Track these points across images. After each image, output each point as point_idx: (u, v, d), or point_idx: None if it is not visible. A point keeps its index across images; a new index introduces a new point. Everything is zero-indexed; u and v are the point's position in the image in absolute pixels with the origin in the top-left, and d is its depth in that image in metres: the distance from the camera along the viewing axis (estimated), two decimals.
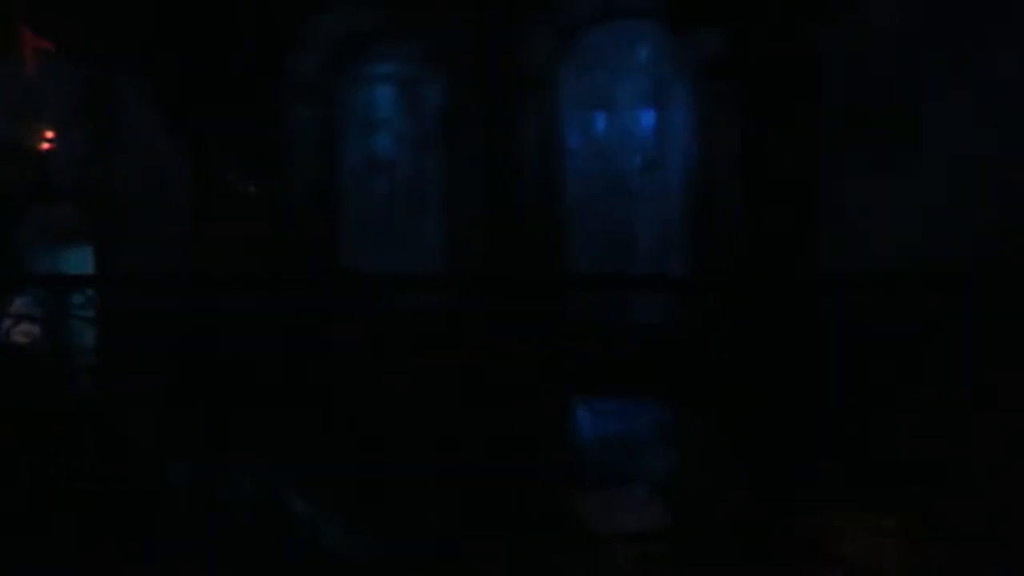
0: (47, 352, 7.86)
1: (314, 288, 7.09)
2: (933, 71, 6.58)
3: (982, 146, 6.34)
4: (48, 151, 7.36)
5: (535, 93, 7.38)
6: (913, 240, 6.46)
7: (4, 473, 5.70)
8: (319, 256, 7.59)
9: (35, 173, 7.63)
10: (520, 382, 6.46)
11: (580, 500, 5.55)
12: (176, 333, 6.73)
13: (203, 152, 7.59)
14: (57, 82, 7.53)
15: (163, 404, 6.84)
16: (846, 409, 5.57)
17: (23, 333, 7.94)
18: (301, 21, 7.49)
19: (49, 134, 7.28)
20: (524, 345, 6.61)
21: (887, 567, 4.74)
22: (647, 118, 7.43)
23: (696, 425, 6.44)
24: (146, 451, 6.43)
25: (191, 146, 7.64)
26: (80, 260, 8.08)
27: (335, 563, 5.37)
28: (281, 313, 7.23)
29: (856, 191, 6.63)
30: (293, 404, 6.40)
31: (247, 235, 7.40)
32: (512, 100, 7.36)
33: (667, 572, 5.04)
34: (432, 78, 7.62)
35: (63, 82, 7.60)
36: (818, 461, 5.42)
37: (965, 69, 6.51)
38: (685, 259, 7.49)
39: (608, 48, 7.42)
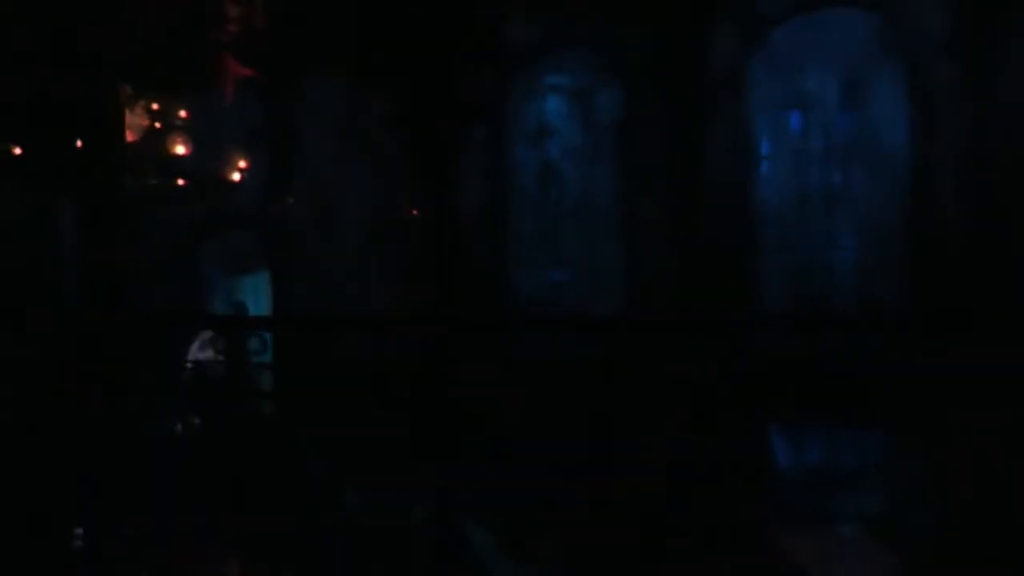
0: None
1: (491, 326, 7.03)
2: None
3: None
4: (237, 182, 7.76)
5: (722, 96, 7.03)
6: None
7: None
8: (489, 278, 7.54)
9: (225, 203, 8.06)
10: (713, 410, 6.05)
11: (789, 540, 5.06)
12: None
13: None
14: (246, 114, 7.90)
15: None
16: None
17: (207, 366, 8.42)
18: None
19: (241, 164, 7.67)
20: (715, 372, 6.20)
21: None
22: (851, 117, 6.89)
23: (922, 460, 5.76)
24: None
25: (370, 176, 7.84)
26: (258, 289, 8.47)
27: None
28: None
29: None
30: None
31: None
32: (696, 105, 7.05)
33: None
34: (609, 85, 7.46)
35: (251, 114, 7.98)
36: None
37: None
38: (898, 279, 6.82)
39: (804, 43, 6.97)
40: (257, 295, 8.51)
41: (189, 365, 8.44)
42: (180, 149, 7.48)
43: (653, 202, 7.21)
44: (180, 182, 7.63)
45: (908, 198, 6.70)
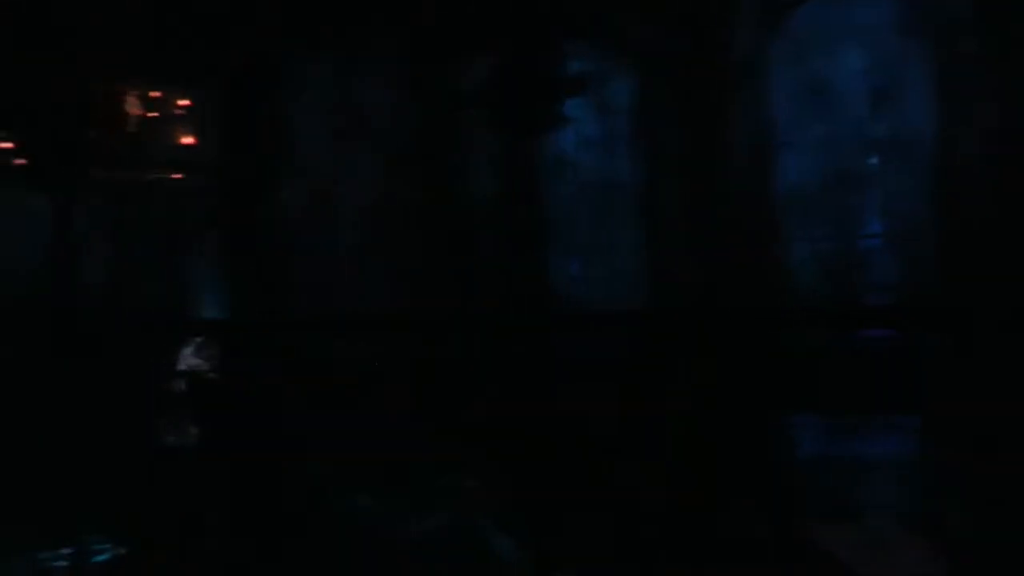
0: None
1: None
2: None
3: None
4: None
5: (741, 81, 7.11)
6: None
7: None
8: (502, 273, 7.53)
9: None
10: (742, 403, 6.10)
11: (827, 535, 5.11)
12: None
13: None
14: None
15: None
16: None
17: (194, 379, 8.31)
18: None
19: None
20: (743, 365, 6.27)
21: None
22: (874, 101, 6.99)
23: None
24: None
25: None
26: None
27: None
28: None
29: None
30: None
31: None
32: (714, 91, 7.12)
33: None
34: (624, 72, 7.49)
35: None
36: None
37: None
38: (926, 268, 6.92)
39: (824, 25, 7.07)
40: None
41: (180, 372, 8.35)
42: (177, 140, 7.38)
43: (673, 192, 7.25)
44: (176, 176, 7.53)
45: (935, 184, 6.79)
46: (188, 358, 8.29)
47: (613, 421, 6.34)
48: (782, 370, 6.69)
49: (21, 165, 7.94)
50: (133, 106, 7.64)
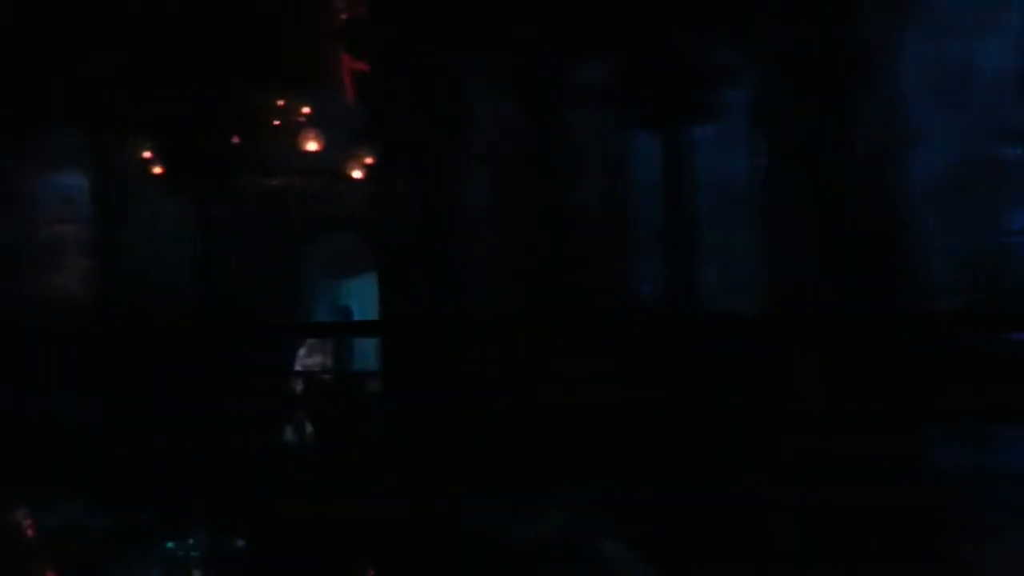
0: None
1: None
2: None
3: None
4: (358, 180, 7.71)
5: (870, 69, 6.76)
6: None
7: None
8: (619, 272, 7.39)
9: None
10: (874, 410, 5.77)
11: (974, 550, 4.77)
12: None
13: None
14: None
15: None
16: None
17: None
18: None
19: (365, 162, 7.65)
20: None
21: None
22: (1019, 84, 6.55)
23: None
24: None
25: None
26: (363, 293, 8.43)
27: None
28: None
29: None
30: None
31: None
32: (839, 79, 6.79)
33: None
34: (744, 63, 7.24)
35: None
36: None
37: None
38: None
39: (963, 5, 6.66)
40: (363, 299, 8.50)
41: (297, 372, 8.53)
42: (301, 146, 7.55)
43: (796, 188, 6.96)
44: (296, 181, 7.71)
45: None
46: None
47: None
48: (920, 376, 6.31)
49: (160, 174, 8.29)
50: (271, 115, 7.87)
